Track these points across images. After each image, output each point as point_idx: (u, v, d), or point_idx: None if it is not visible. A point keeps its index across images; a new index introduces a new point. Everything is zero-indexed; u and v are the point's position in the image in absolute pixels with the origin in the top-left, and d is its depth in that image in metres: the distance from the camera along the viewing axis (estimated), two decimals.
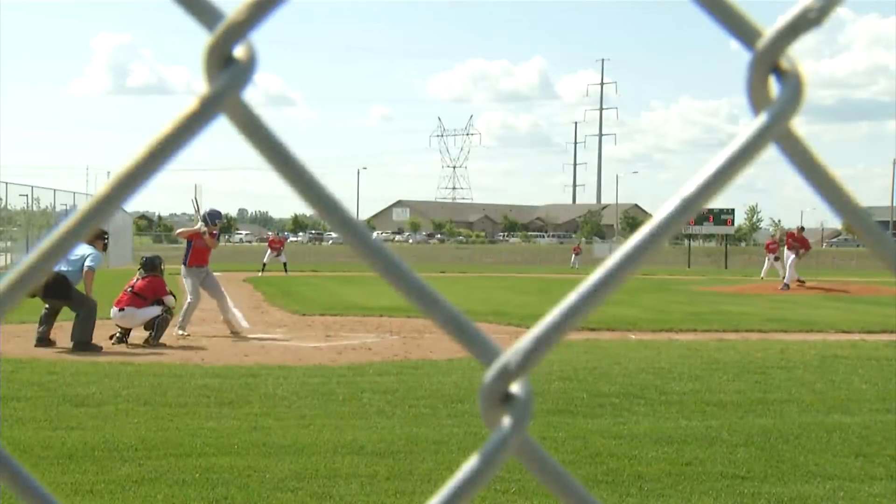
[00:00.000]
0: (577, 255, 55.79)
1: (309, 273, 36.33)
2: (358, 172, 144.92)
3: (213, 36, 0.41)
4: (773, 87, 0.47)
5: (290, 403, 7.92)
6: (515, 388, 0.46)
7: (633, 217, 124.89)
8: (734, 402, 8.23)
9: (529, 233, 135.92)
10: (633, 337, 13.53)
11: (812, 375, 9.79)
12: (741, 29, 0.47)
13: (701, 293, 26.13)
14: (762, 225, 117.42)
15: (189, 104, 0.41)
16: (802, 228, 29.87)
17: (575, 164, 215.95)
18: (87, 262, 11.25)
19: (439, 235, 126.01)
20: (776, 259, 33.14)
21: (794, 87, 0.46)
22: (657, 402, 8.23)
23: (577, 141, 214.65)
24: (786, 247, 29.87)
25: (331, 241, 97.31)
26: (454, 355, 10.66)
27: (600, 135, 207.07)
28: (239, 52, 0.42)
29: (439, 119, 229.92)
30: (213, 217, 13.56)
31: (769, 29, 0.46)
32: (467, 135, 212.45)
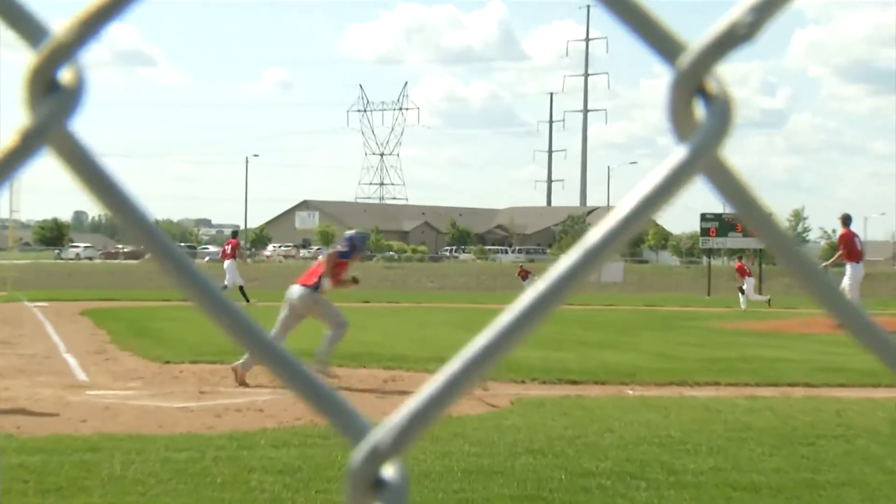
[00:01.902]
0: (525, 279, 56.94)
1: (175, 303, 35.93)
2: (246, 162, 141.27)
3: (37, 57, 0.46)
4: (699, 110, 0.53)
5: (145, 489, 7.99)
6: (387, 472, 0.50)
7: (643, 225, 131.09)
8: (772, 486, 8.48)
9: (487, 246, 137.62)
10: (631, 393, 14.00)
11: (880, 448, 10.08)
12: (661, 43, 0.51)
13: (725, 331, 26.95)
14: (810, 236, 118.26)
15: (8, 139, 0.46)
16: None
17: (550, 152, 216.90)
18: None
19: None
20: (741, 291, 41.68)
21: (721, 112, 0.51)
22: (664, 484, 8.45)
23: (553, 119, 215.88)
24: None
25: (207, 258, 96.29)
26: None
27: (585, 111, 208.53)
28: (65, 76, 0.45)
29: (360, 88, 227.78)
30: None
31: (692, 45, 0.52)
32: (400, 110, 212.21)
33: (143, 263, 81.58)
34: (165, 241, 0.47)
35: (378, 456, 0.49)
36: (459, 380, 0.51)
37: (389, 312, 34.82)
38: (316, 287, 14.33)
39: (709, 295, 49.91)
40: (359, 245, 14.99)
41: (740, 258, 47.21)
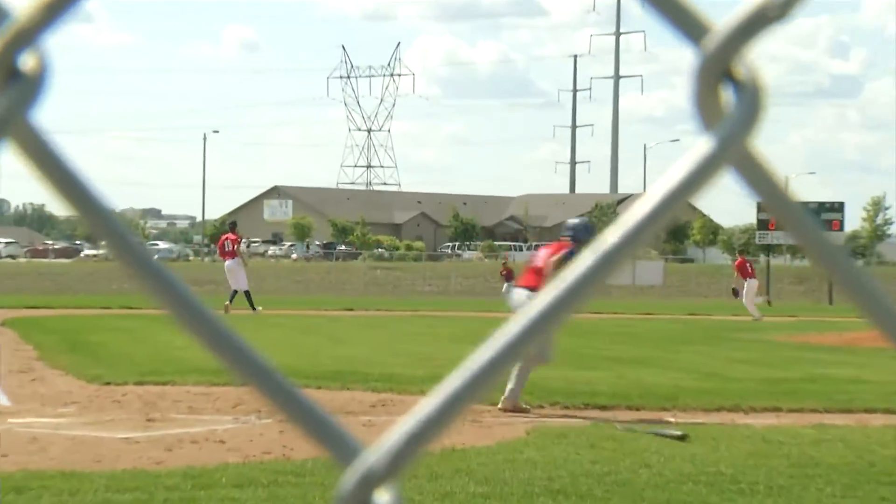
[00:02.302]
0: (510, 280, 56.92)
1: (117, 310, 36.06)
2: (203, 139, 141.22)
3: None
4: (727, 97, 0.57)
5: None
6: (381, 498, 0.53)
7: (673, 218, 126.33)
8: None
9: (497, 242, 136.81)
10: (673, 420, 14.04)
11: None
12: (684, 23, 0.55)
13: (787, 345, 27.17)
14: (892, 229, 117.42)
15: None
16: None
17: (574, 127, 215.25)
18: None
19: (344, 247, 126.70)
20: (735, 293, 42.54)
21: (751, 100, 0.54)
22: None
23: (578, 88, 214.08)
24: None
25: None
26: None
27: (616, 77, 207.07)
28: (27, 62, 0.49)
29: (343, 50, 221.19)
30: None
31: (718, 27, 0.55)
32: (391, 76, 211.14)
33: (77, 263, 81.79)
34: (135, 242, 0.51)
35: (371, 480, 0.52)
36: (461, 396, 0.55)
37: (378, 323, 34.96)
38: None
39: (769, 303, 49.60)
40: (583, 238, 15.34)
41: (742, 252, 47.87)
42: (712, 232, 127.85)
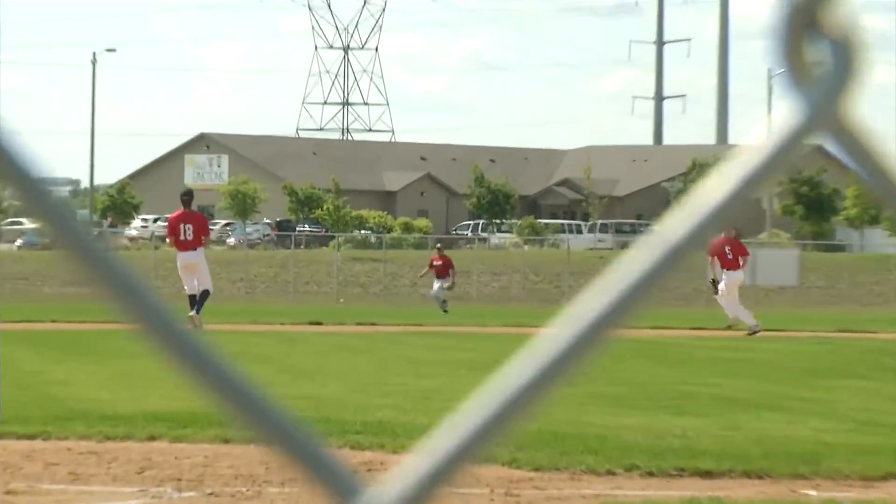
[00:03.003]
0: (443, 277, 50.70)
1: None
2: (92, 63, 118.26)
3: None
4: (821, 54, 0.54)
5: None
6: None
7: (811, 182, 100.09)
8: None
9: (542, 220, 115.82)
10: (814, 494, 12.18)
11: None
12: None
13: None
14: None
15: None
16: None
17: (660, 43, 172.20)
18: None
19: (308, 227, 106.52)
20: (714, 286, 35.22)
21: (846, 57, 0.52)
22: None
23: None
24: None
25: (20, 242, 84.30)
26: None
27: None
28: None
29: None
30: None
31: None
32: None
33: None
34: (86, 232, 0.59)
35: None
36: (481, 436, 0.59)
37: (360, 343, 30.06)
38: None
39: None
40: None
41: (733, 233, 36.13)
42: (873, 206, 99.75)
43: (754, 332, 33.69)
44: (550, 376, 0.58)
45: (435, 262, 53.73)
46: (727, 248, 33.85)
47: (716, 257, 34.07)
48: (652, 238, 0.57)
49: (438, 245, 58.36)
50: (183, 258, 29.78)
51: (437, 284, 53.50)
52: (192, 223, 29.80)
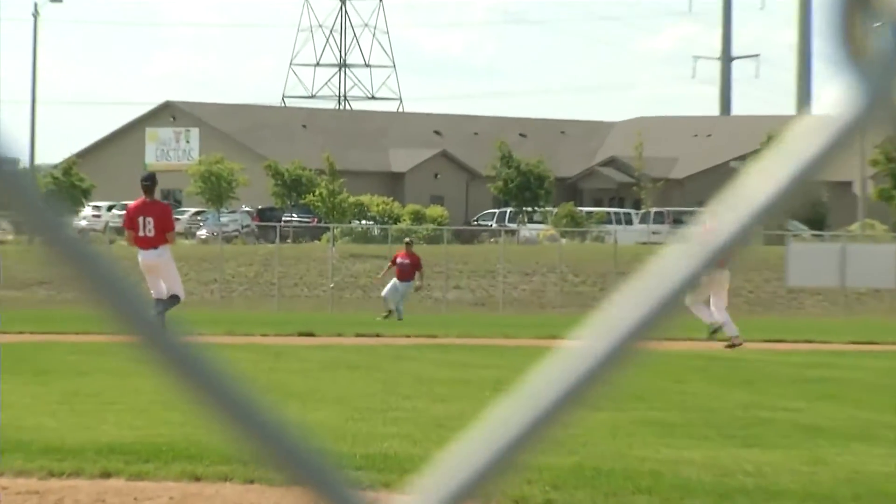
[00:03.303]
0: (406, 279, 46.07)
1: None
2: (34, 14, 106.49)
3: None
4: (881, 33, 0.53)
5: None
6: None
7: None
8: None
9: (584, 208, 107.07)
10: None
11: None
12: None
13: None
14: None
15: None
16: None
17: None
18: None
19: (296, 216, 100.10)
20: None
21: None
22: None
23: None
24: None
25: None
26: None
27: None
28: None
29: None
30: None
31: None
32: None
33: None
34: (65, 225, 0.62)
35: None
36: (491, 470, 0.63)
37: (359, 359, 27.87)
38: None
39: None
40: None
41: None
42: None
43: (735, 345, 30.34)
44: (574, 397, 0.55)
45: (399, 260, 46.52)
46: None
47: None
48: (691, 235, 0.57)
49: (407, 240, 51.01)
50: (144, 258, 25.39)
51: (394, 285, 45.96)
52: (152, 215, 25.28)
